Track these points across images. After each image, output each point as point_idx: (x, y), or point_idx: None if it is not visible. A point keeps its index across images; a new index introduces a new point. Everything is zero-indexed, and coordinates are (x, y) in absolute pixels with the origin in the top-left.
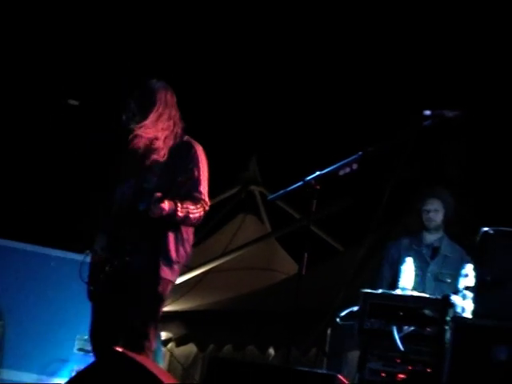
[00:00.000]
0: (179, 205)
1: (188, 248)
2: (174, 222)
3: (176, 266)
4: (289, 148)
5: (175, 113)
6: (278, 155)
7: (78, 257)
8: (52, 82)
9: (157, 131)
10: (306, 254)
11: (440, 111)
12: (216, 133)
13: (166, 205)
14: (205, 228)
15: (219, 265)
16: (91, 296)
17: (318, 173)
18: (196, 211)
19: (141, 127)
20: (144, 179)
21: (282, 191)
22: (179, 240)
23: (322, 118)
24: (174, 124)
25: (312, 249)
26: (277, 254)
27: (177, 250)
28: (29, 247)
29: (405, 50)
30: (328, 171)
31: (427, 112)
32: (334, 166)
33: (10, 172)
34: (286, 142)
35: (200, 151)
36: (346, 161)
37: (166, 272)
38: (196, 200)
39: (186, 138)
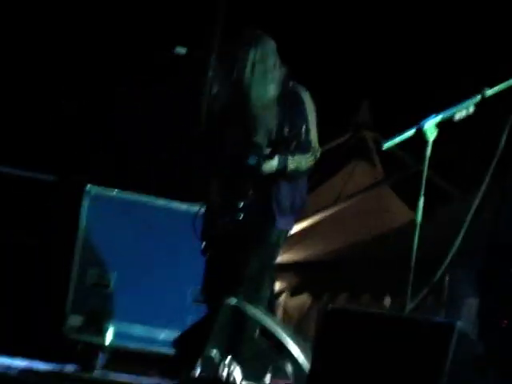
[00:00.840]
0: (289, 158)
1: (304, 195)
2: (285, 176)
3: (291, 215)
4: (402, 90)
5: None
6: (391, 98)
7: (191, 208)
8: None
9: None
10: (421, 200)
11: None
12: (326, 75)
13: (276, 160)
14: (316, 176)
15: (332, 213)
16: (204, 250)
17: (433, 116)
18: (306, 161)
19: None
20: (252, 130)
21: (396, 137)
22: (294, 188)
23: (436, 58)
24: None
25: (428, 195)
26: (391, 201)
27: (292, 198)
28: (138, 198)
29: None
30: (443, 115)
31: None
32: (450, 110)
33: None
34: (399, 84)
35: (307, 100)
36: (462, 104)
37: (280, 222)
38: (306, 149)
39: (291, 84)
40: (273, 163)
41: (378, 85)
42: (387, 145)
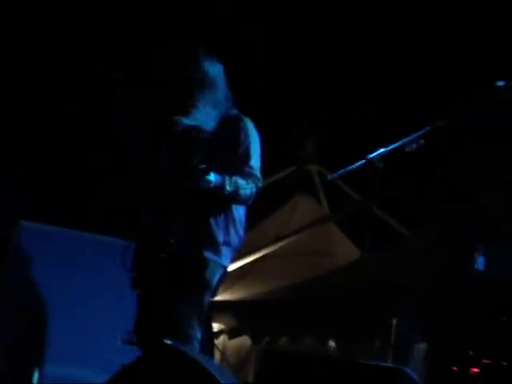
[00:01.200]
0: (227, 178)
1: (240, 230)
2: (222, 199)
3: (225, 249)
4: (349, 124)
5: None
6: (337, 132)
7: (119, 242)
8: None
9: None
10: (368, 238)
11: None
12: (270, 109)
13: (213, 176)
14: (257, 211)
15: (274, 250)
16: (134, 284)
17: (381, 150)
18: (247, 186)
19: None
20: (190, 155)
21: (342, 170)
22: (229, 220)
23: (386, 91)
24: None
25: (375, 233)
26: (336, 239)
27: (226, 231)
28: (65, 231)
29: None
30: (393, 148)
31: (501, 83)
32: (400, 143)
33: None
34: (346, 117)
35: (250, 127)
36: (412, 136)
37: (212, 255)
38: (247, 175)
39: (235, 112)
40: (209, 179)
41: (325, 118)
42: (333, 177)
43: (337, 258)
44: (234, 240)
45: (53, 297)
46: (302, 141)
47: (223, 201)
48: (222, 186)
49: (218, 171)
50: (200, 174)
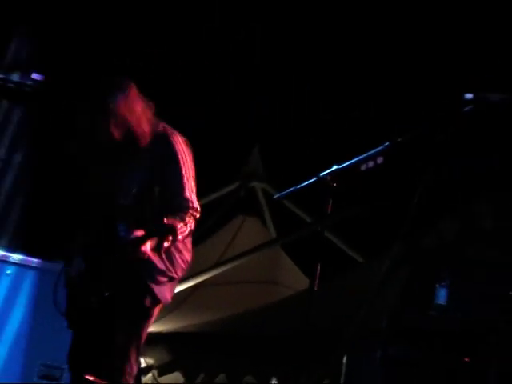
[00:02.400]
0: (163, 228)
1: (187, 256)
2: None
3: (168, 284)
4: (298, 137)
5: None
6: (284, 145)
7: (46, 265)
8: None
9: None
10: (318, 266)
11: (484, 95)
12: (210, 120)
13: (148, 246)
14: (196, 232)
15: (213, 277)
16: (69, 326)
17: (335, 167)
18: (185, 228)
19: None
20: (120, 189)
21: (290, 189)
22: (174, 251)
23: (338, 102)
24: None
25: (326, 259)
26: (282, 265)
27: (169, 263)
28: None
29: (438, 24)
30: (347, 165)
31: (468, 95)
32: (355, 160)
33: None
34: (295, 129)
35: (179, 146)
36: (369, 153)
37: (152, 284)
38: (182, 211)
39: (160, 128)
40: (144, 250)
41: (271, 129)
42: (279, 196)
43: (283, 287)
44: (182, 269)
45: None
46: (246, 153)
47: (161, 248)
48: (159, 247)
49: (150, 208)
50: (134, 246)
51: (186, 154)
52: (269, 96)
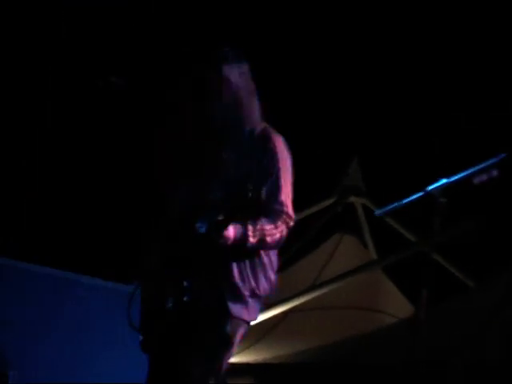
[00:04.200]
0: (250, 228)
1: (271, 275)
2: (246, 250)
3: (252, 303)
4: (400, 147)
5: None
6: (386, 157)
7: (117, 286)
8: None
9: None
10: (425, 291)
11: None
12: (307, 128)
13: (231, 232)
14: (288, 251)
15: (305, 302)
16: (144, 346)
17: (443, 181)
18: (275, 231)
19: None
20: (207, 185)
21: (393, 204)
22: (257, 266)
23: (445, 110)
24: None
25: (433, 283)
26: (384, 290)
27: (254, 280)
28: (48, 270)
29: None
30: (458, 179)
31: None
32: (467, 173)
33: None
34: (397, 139)
35: (281, 148)
36: (482, 165)
37: (236, 308)
38: (275, 215)
39: (263, 126)
40: (227, 235)
41: (371, 138)
42: (381, 212)
43: (384, 314)
44: (263, 290)
45: (27, 349)
46: (344, 165)
47: (247, 251)
48: (244, 239)
49: (242, 209)
50: (217, 229)
51: (286, 157)
52: (368, 104)
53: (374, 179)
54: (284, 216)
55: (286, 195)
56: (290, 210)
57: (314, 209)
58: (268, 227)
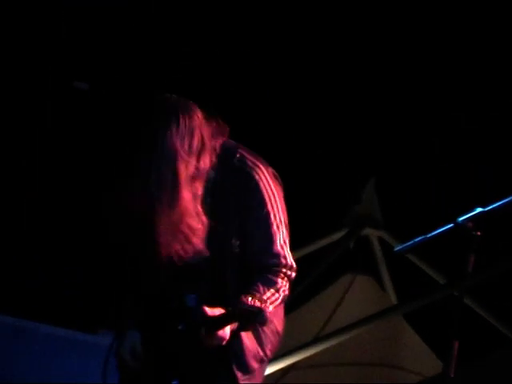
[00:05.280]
0: (245, 306)
1: (276, 325)
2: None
3: (258, 367)
4: (425, 170)
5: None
6: (407, 180)
7: (85, 337)
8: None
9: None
10: (455, 344)
11: None
12: (312, 145)
13: (228, 330)
14: (292, 293)
15: (313, 355)
16: None
17: (478, 210)
18: (277, 295)
19: None
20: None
21: (417, 238)
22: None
23: (478, 130)
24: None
25: (465, 335)
26: (405, 341)
27: (259, 343)
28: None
29: None
30: (496, 207)
31: None
32: (506, 200)
33: None
34: (420, 160)
35: (263, 177)
36: None
37: (241, 376)
38: (272, 272)
39: (237, 158)
40: (221, 336)
41: (389, 158)
42: (403, 248)
43: (405, 371)
44: (270, 349)
45: None
46: (357, 190)
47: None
48: (242, 329)
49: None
50: (209, 329)
51: (275, 192)
52: (386, 120)
53: (394, 207)
54: (284, 270)
55: (282, 242)
56: (288, 259)
57: (321, 243)
58: (267, 296)
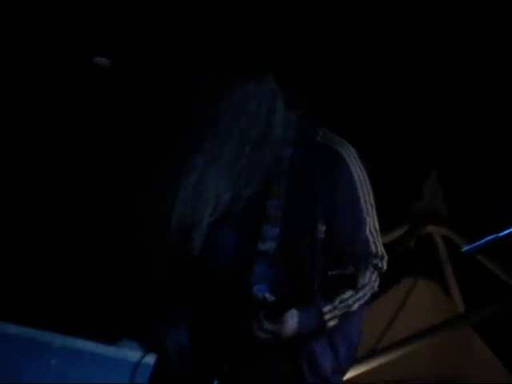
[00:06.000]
0: (327, 308)
1: (355, 338)
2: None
3: (336, 376)
4: (495, 159)
5: None
6: (478, 170)
7: (114, 352)
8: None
9: None
10: None
11: None
12: (371, 133)
13: (292, 323)
14: None
15: (370, 369)
16: None
17: None
18: (364, 291)
19: None
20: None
21: (488, 237)
22: (340, 335)
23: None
24: None
25: None
26: (473, 353)
27: (335, 352)
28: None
29: None
30: None
31: None
32: None
33: None
34: (489, 148)
35: (353, 163)
36: None
37: None
38: (359, 263)
39: (320, 135)
40: (286, 328)
41: (454, 149)
42: (472, 248)
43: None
44: (347, 358)
45: None
46: (418, 184)
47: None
48: (315, 329)
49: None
50: (268, 316)
51: (364, 174)
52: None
53: (460, 202)
54: (374, 261)
55: (373, 228)
56: (379, 248)
57: (383, 241)
58: (350, 293)
